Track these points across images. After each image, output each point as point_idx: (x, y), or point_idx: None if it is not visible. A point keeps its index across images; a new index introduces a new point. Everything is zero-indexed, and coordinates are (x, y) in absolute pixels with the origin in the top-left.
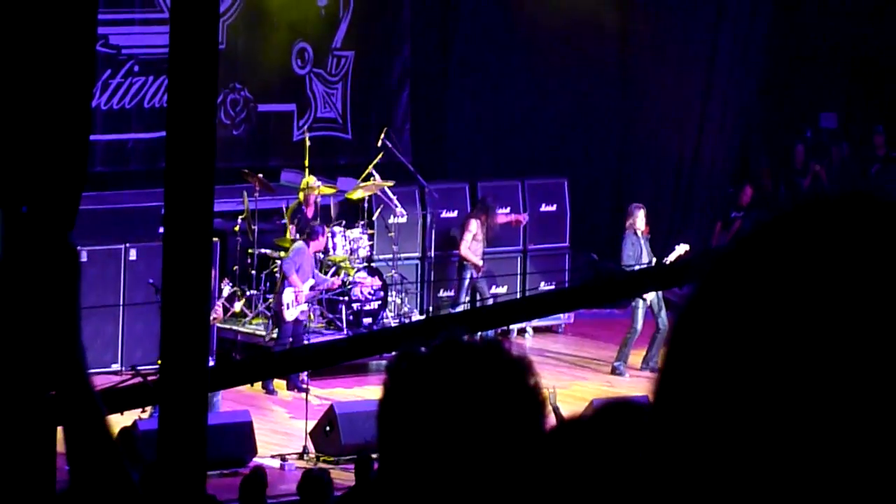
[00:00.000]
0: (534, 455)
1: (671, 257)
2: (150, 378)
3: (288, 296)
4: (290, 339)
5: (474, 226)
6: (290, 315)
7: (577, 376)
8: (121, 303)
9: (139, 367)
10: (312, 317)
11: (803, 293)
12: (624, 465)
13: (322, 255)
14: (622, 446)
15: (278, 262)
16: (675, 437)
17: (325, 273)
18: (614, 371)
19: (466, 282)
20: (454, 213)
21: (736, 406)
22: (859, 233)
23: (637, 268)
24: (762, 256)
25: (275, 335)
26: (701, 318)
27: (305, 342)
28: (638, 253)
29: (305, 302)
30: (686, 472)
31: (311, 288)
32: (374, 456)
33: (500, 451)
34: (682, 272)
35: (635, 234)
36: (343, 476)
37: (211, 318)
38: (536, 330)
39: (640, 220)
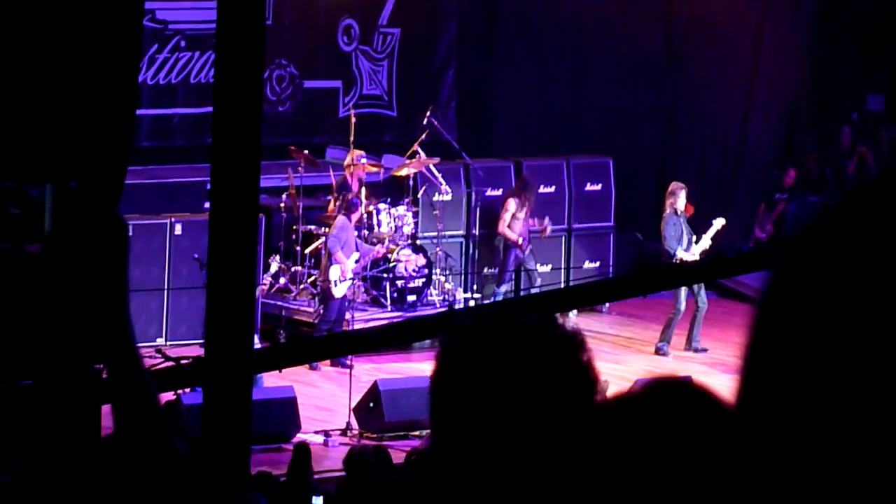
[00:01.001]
0: (585, 431)
1: (709, 233)
2: (182, 361)
3: (335, 272)
4: (336, 316)
5: (512, 205)
6: (338, 291)
7: (620, 356)
8: (165, 276)
9: (165, 345)
10: (357, 293)
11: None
12: (671, 443)
13: (367, 232)
14: (670, 425)
15: (322, 238)
16: (767, 436)
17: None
18: (658, 351)
19: (511, 260)
20: (499, 192)
21: (833, 397)
22: None
23: (678, 248)
24: (847, 235)
25: (321, 311)
26: (785, 306)
27: (347, 317)
28: (679, 233)
29: (352, 277)
30: (780, 471)
31: (357, 261)
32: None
33: (551, 427)
34: (731, 263)
35: (676, 213)
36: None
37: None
38: (580, 309)
39: (681, 199)
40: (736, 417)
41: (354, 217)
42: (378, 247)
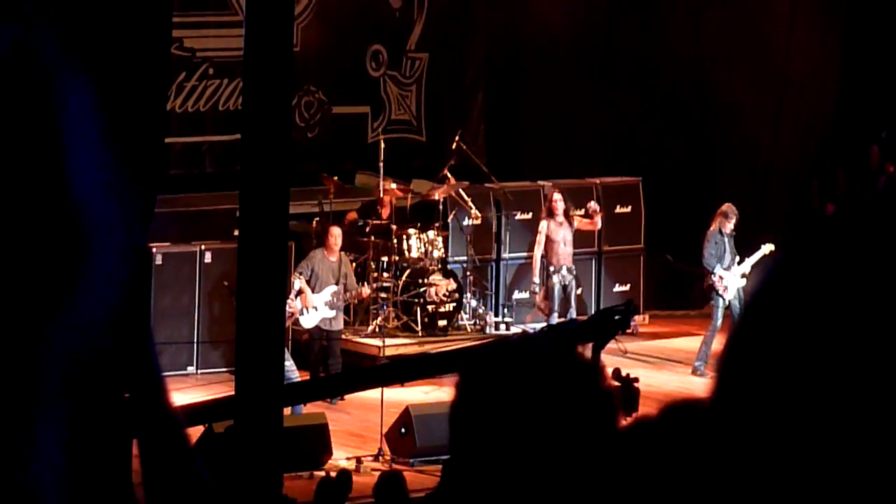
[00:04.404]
0: (606, 457)
1: (754, 257)
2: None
3: (299, 303)
4: (322, 341)
5: (543, 226)
6: (307, 322)
7: (652, 377)
8: (196, 304)
9: (196, 374)
10: (391, 319)
11: (868, 290)
12: (689, 464)
13: (397, 257)
14: (687, 446)
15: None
16: (736, 432)
17: (399, 274)
18: (695, 371)
19: (556, 287)
20: (529, 215)
21: (796, 401)
22: None
23: (717, 266)
24: (827, 252)
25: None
26: (766, 310)
27: (370, 342)
28: (721, 252)
29: (329, 308)
30: (747, 466)
31: (332, 294)
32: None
33: (572, 454)
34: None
35: (721, 233)
36: (418, 479)
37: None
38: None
39: (729, 224)
40: (709, 412)
41: (330, 252)
42: (361, 288)
